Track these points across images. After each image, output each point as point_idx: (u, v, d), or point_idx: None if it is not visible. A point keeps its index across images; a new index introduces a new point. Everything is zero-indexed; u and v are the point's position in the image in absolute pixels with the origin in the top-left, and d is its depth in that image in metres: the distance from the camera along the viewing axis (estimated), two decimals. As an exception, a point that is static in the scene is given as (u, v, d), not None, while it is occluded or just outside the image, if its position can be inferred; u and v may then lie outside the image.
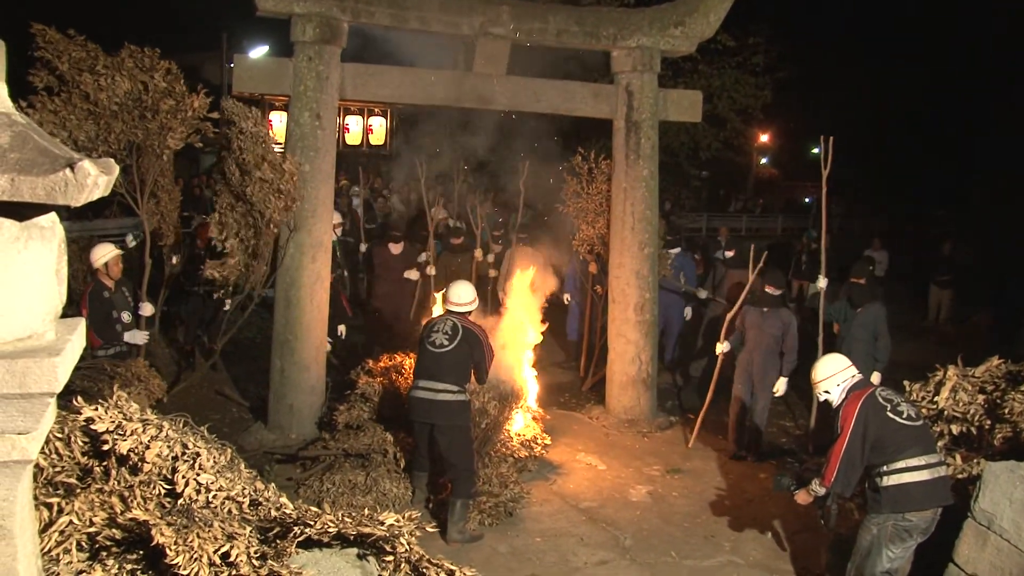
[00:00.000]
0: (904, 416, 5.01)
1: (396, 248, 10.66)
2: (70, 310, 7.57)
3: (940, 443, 5.76)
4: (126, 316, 7.55)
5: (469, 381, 6.62)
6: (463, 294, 6.83)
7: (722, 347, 8.21)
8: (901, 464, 4.92)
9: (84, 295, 7.48)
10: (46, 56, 6.75)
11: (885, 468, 4.95)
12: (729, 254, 11.57)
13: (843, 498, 5.39)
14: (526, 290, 8.67)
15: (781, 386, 7.98)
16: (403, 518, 3.42)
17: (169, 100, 7.12)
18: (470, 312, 6.85)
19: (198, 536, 2.97)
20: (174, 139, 7.28)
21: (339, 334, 9.05)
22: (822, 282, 8.34)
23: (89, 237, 10.77)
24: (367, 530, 3.28)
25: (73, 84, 6.75)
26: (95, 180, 2.16)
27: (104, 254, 7.59)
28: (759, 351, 8.05)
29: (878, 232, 17.53)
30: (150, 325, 8.01)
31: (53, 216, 2.37)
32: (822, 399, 5.40)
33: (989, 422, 5.85)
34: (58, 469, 3.47)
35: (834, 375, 5.29)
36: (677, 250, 10.85)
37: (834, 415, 5.22)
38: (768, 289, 8.07)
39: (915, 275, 16.80)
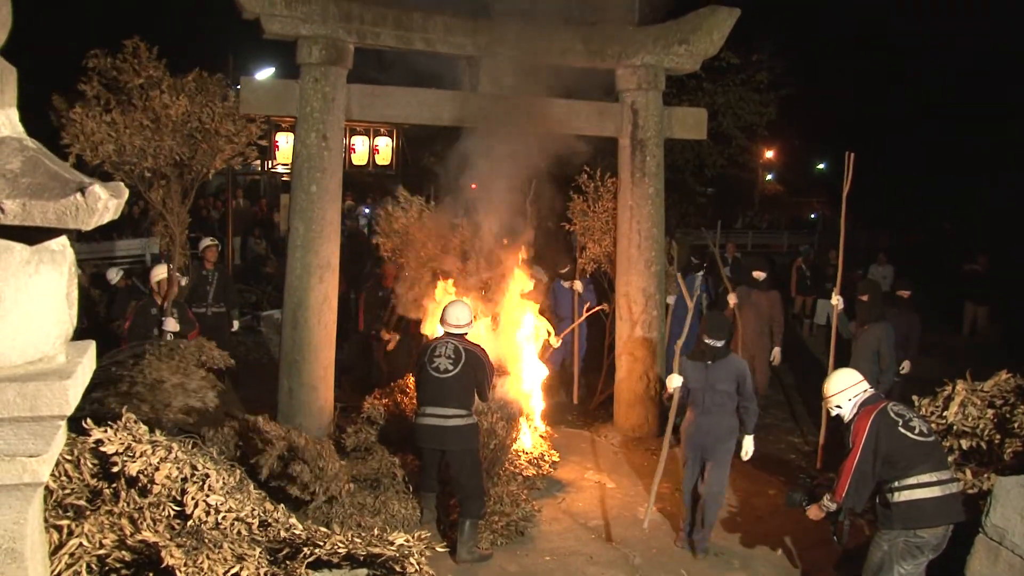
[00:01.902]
0: (916, 432, 4.99)
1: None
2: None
3: (950, 458, 5.73)
4: (168, 337, 7.71)
5: (475, 403, 6.59)
6: (461, 315, 6.72)
7: (674, 382, 6.53)
8: (912, 480, 4.89)
9: (132, 308, 8.04)
10: (126, 69, 6.93)
11: (896, 484, 4.92)
12: (761, 275, 10.39)
13: (855, 514, 5.37)
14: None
15: (749, 446, 6.58)
16: (413, 538, 3.43)
17: (229, 125, 7.29)
18: (468, 332, 6.77)
19: (208, 558, 2.98)
20: (221, 160, 7.43)
21: None
22: (836, 299, 8.27)
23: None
24: (377, 550, 3.28)
25: (140, 98, 6.92)
26: (105, 204, 2.18)
27: (160, 273, 8.14)
28: (708, 416, 6.44)
29: (883, 247, 17.56)
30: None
31: (64, 240, 2.39)
32: (834, 414, 5.38)
33: (999, 436, 5.82)
34: (68, 491, 3.49)
35: (846, 389, 5.28)
36: (701, 274, 10.43)
37: (845, 430, 5.20)
38: (708, 340, 6.47)
39: (926, 288, 16.77)
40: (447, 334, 6.69)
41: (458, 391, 6.40)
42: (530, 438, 8.09)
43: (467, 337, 6.74)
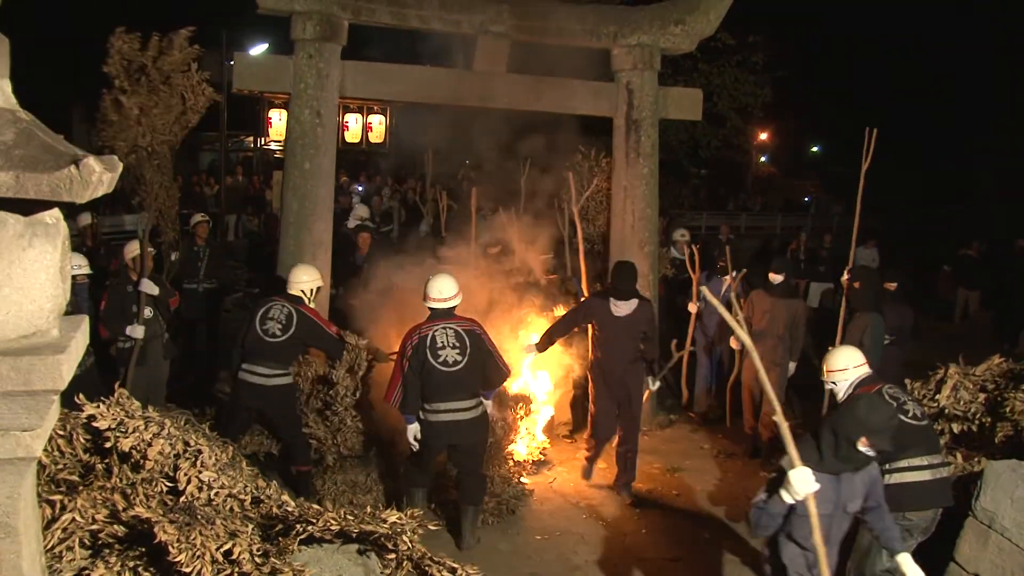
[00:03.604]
0: (909, 415, 5.00)
1: (624, 307, 7.09)
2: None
3: (941, 441, 5.76)
4: (147, 312, 7.49)
5: (492, 386, 6.27)
6: (445, 287, 6.04)
7: (804, 485, 3.79)
8: (903, 463, 4.91)
9: (106, 289, 7.68)
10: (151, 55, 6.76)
11: (887, 466, 4.94)
12: (777, 278, 8.37)
13: None
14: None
15: None
16: (405, 516, 3.43)
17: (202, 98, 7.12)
18: (456, 307, 6.12)
19: (200, 534, 2.98)
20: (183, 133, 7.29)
21: None
22: (846, 279, 8.22)
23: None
24: (369, 528, 3.29)
25: (163, 81, 6.76)
26: (100, 177, 2.16)
27: (133, 248, 7.74)
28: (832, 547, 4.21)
29: (873, 231, 17.63)
30: (153, 310, 7.84)
31: (57, 213, 2.37)
32: (828, 388, 5.39)
33: (990, 420, 5.85)
34: (61, 466, 3.48)
35: (847, 369, 5.27)
36: (729, 277, 9.17)
37: (837, 407, 5.22)
38: (866, 449, 4.09)
39: (920, 274, 16.84)
40: (436, 314, 6.03)
41: (470, 382, 5.97)
42: (525, 443, 7.96)
43: (457, 313, 6.13)
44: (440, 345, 5.86)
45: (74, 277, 6.82)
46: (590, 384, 7.49)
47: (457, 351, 5.87)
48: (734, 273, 9.03)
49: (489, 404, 6.27)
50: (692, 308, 9.02)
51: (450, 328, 5.95)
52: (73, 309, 6.68)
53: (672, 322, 9.93)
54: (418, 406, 5.98)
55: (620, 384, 7.20)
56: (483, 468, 6.34)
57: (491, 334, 6.45)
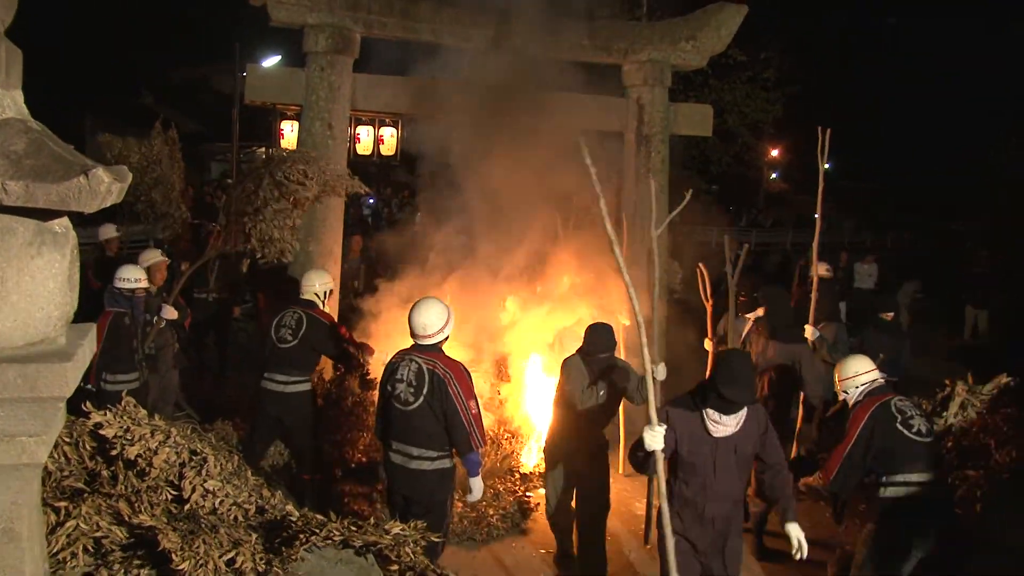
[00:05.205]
0: (914, 430, 4.97)
1: (729, 424, 4.38)
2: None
3: (947, 458, 5.73)
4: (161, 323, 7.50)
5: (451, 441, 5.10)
6: (427, 321, 5.09)
7: None
8: (900, 478, 4.89)
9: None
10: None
11: (885, 479, 4.93)
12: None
13: (853, 496, 5.39)
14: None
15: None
16: (409, 527, 3.44)
17: None
18: (443, 342, 5.20)
19: (204, 542, 2.99)
20: None
21: None
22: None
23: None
24: (372, 539, 3.30)
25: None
26: (109, 187, 2.19)
27: (149, 258, 7.69)
28: None
29: (879, 246, 17.60)
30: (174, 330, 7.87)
31: (66, 222, 2.40)
32: (841, 397, 5.40)
33: (997, 438, 5.82)
34: (66, 473, 3.50)
35: (855, 375, 5.27)
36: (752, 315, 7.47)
37: (847, 414, 5.22)
38: None
39: (928, 290, 16.78)
40: (416, 345, 5.17)
41: (426, 428, 5.03)
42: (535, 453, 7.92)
43: (443, 351, 5.19)
44: (399, 378, 5.06)
45: (133, 290, 6.90)
46: (658, 535, 4.45)
47: (412, 390, 4.99)
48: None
49: (476, 481, 5.20)
50: (708, 346, 7.55)
51: (415, 362, 5.06)
52: (131, 322, 6.82)
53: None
54: (380, 432, 5.42)
55: (718, 535, 4.58)
56: (439, 534, 4.96)
57: None
